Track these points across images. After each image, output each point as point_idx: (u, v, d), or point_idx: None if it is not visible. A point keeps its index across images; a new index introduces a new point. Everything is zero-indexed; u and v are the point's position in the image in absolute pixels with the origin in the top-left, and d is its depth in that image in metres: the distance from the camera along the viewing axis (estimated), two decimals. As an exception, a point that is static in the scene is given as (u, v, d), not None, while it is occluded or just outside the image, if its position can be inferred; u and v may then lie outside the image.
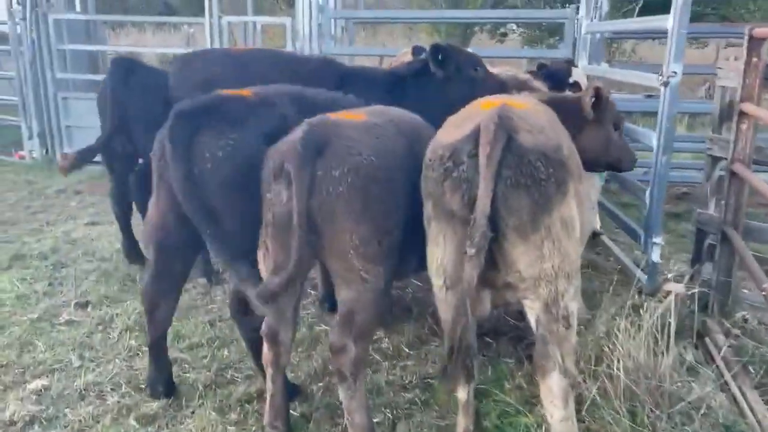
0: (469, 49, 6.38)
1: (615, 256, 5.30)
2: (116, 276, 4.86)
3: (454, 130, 2.68)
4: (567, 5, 15.85)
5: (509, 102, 2.78)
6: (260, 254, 2.86)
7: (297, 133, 2.70)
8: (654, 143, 4.43)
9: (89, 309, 4.32)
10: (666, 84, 4.25)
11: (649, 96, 11.69)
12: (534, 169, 2.46)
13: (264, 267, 2.86)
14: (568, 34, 6.98)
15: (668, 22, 4.24)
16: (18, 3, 7.98)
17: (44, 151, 8.79)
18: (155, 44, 16.97)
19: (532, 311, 2.65)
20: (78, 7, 9.37)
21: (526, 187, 2.45)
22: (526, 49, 13.78)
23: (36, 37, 8.21)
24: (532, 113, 2.79)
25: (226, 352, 3.83)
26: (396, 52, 7.71)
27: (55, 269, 4.93)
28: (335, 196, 2.60)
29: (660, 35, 6.77)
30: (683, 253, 5.25)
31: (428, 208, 2.68)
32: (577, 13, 6.79)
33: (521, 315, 4.20)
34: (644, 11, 12.06)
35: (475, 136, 2.49)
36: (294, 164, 2.59)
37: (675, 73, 4.17)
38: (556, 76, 5.56)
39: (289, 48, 7.61)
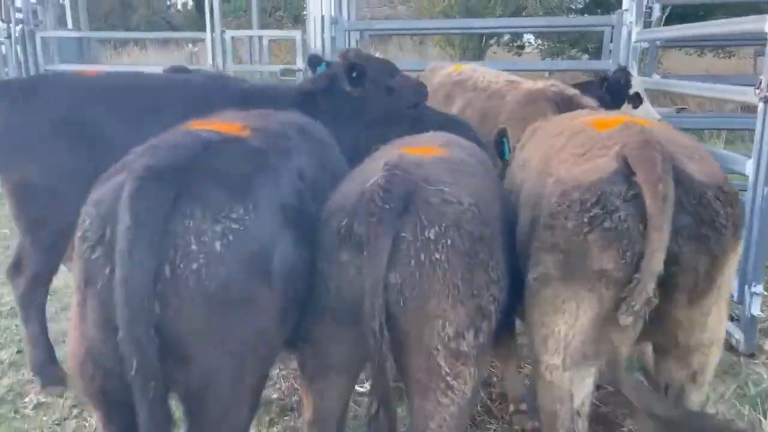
0: (487, 63, 5.68)
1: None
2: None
3: (582, 162, 2.06)
4: (583, 14, 15.24)
5: (634, 119, 2.14)
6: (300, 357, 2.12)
7: (370, 180, 1.91)
8: (750, 171, 3.64)
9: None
10: (766, 100, 3.47)
11: (682, 109, 10.91)
12: (713, 211, 1.89)
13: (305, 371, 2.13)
14: (614, 43, 6.22)
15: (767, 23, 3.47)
16: (2, 20, 7.30)
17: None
18: (156, 62, 16.34)
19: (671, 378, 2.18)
20: (70, 24, 8.71)
21: (705, 237, 1.89)
22: (563, 60, 12.96)
23: (23, 58, 7.51)
24: (666, 132, 2.16)
25: None
26: (411, 66, 7.01)
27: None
28: (428, 267, 1.84)
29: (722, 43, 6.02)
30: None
31: (549, 266, 2.06)
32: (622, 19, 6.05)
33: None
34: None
35: (625, 171, 1.91)
36: (370, 225, 1.82)
37: (781, 85, 3.39)
38: (613, 88, 4.83)
39: (299, 65, 6.89)
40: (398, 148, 2.42)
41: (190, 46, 23.30)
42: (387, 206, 1.82)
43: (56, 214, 3.14)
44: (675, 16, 9.87)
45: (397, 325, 1.85)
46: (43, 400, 3.36)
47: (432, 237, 1.84)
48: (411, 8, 17.37)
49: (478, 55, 14.74)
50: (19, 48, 7.43)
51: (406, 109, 4.03)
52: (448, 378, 1.90)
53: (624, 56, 6.08)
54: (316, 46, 6.64)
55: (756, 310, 3.66)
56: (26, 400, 3.37)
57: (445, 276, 1.85)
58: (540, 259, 2.08)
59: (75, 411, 3.29)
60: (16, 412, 3.27)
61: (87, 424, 3.18)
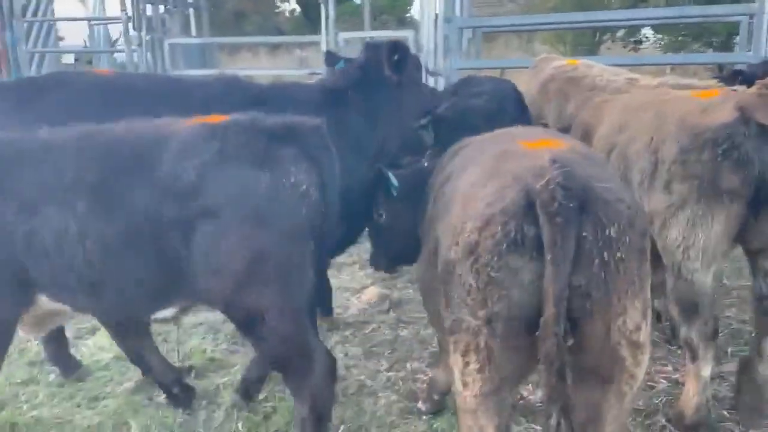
0: (601, 58, 5.37)
1: None
2: (224, 332, 4.21)
3: (704, 116, 2.72)
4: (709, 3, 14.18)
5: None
6: (458, 365, 2.01)
7: (524, 179, 1.87)
8: None
9: (192, 376, 3.67)
10: None
11: None
12: None
13: (467, 382, 2.00)
14: (756, 34, 5.69)
15: None
16: (134, 29, 7.81)
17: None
18: (268, 67, 16.98)
19: None
20: (194, 32, 9.18)
21: None
22: (706, 53, 12.09)
23: (152, 63, 8.00)
24: None
25: (353, 447, 3.02)
26: (521, 63, 6.76)
27: (154, 325, 4.35)
28: (612, 266, 1.84)
29: None
30: None
31: (684, 193, 2.71)
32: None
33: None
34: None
35: (744, 118, 2.60)
36: (555, 225, 1.77)
37: None
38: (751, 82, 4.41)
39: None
40: (516, 142, 2.31)
41: (298, 51, 24.08)
42: (570, 205, 1.78)
43: None
44: None
45: (579, 326, 1.84)
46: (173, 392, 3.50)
47: (614, 235, 1.83)
48: (519, 6, 16.98)
49: (592, 52, 14.15)
50: (149, 55, 7.92)
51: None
52: (631, 368, 1.95)
53: (766, 48, 5.56)
54: (429, 44, 6.58)
55: None
56: (159, 390, 3.52)
57: (626, 273, 1.87)
58: (672, 189, 2.73)
59: (204, 402, 3.41)
60: (150, 400, 3.44)
61: (215, 416, 3.29)
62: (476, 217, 1.91)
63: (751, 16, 6.02)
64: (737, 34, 10.12)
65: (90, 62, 13.28)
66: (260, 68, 12.80)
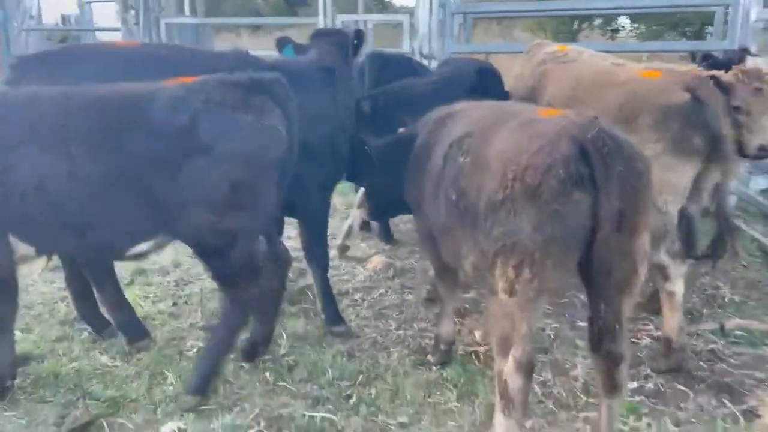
0: (580, 45, 5.74)
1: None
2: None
3: (664, 95, 3.57)
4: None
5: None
6: (508, 277, 2.55)
7: (585, 131, 2.49)
8: None
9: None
10: None
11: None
12: None
13: (515, 290, 2.55)
14: (732, 24, 6.09)
15: None
16: (132, 8, 7.91)
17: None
18: (253, 47, 16.99)
19: None
20: (187, 11, 9.29)
21: None
22: (682, 42, 12.63)
23: (149, 42, 8.11)
24: None
25: (372, 391, 3.33)
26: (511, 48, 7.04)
27: (178, 287, 4.62)
28: (640, 193, 2.50)
29: None
30: None
31: (659, 149, 3.46)
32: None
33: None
34: None
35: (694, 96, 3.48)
36: (605, 165, 2.42)
37: None
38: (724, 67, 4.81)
39: (406, 48, 7.11)
40: (535, 111, 2.96)
41: (278, 32, 23.96)
42: (612, 149, 2.42)
43: None
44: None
45: (615, 241, 2.45)
46: (201, 344, 3.77)
47: (640, 170, 2.49)
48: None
49: (571, 39, 14.53)
50: (143, 33, 8.03)
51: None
52: (642, 276, 2.58)
53: (741, 37, 5.95)
54: (423, 29, 6.84)
55: None
56: (188, 344, 3.79)
57: (647, 199, 2.54)
58: (648, 147, 3.25)
59: (231, 356, 3.67)
60: (180, 354, 3.70)
61: (242, 369, 3.55)
62: (537, 165, 2.43)
63: (727, 7, 6.40)
64: (711, 24, 10.62)
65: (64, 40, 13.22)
66: (255, 48, 12.89)
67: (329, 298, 4.02)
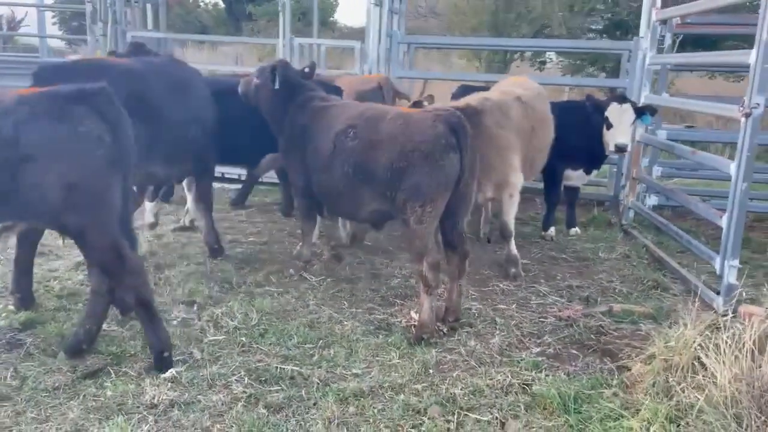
0: (511, 77, 6.96)
1: (682, 277, 5.52)
2: (212, 278, 5.15)
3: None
4: (602, 36, 16.29)
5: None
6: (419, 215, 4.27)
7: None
8: (733, 172, 4.67)
9: (196, 308, 4.60)
10: (748, 115, 4.51)
11: (690, 126, 11.94)
12: None
13: (425, 220, 4.29)
14: (631, 65, 7.26)
15: (750, 57, 4.51)
16: (101, 20, 8.43)
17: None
18: (203, 62, 17.49)
19: None
20: (150, 25, 9.84)
21: None
22: (586, 78, 14.18)
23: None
24: None
25: (331, 351, 4.08)
26: (454, 77, 8.02)
27: (156, 270, 5.22)
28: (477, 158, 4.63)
29: (729, 69, 7.07)
30: (750, 279, 5.45)
31: None
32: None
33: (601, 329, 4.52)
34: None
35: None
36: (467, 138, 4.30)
37: (758, 105, 4.43)
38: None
39: (356, 70, 7.96)
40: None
41: (225, 48, 24.61)
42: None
43: None
44: (689, 41, 10.84)
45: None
46: (185, 316, 4.43)
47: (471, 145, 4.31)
48: (442, 22, 18.49)
49: (503, 69, 15.81)
50: (111, 45, 8.55)
51: None
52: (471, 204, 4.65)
53: (639, 77, 7.13)
54: (373, 54, 7.72)
55: (733, 279, 4.68)
56: (172, 315, 4.44)
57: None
58: None
59: (210, 324, 4.35)
60: (167, 322, 4.32)
61: (221, 333, 4.23)
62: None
63: (630, 51, 7.59)
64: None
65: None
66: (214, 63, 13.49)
67: None
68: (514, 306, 5.00)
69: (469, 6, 15.16)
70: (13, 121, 3.30)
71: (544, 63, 17.35)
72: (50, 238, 5.81)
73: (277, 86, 5.07)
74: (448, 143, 4.14)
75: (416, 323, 4.42)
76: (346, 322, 4.54)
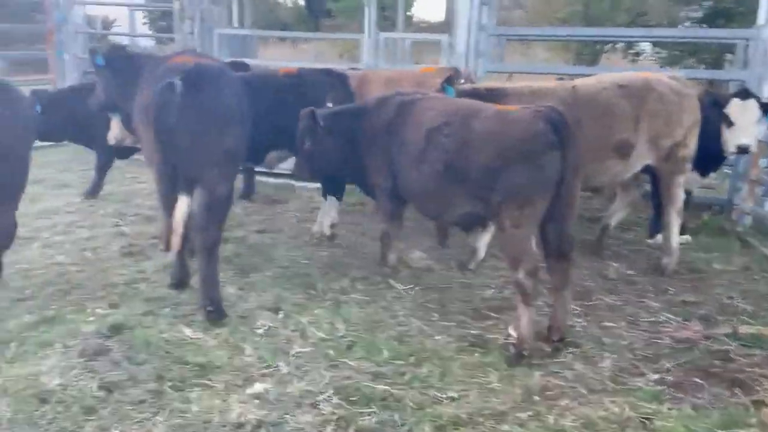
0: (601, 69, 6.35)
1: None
2: (297, 283, 4.96)
3: None
4: (704, 24, 15.15)
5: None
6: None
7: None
8: None
9: (281, 316, 4.41)
10: None
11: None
12: None
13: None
14: (752, 56, 6.54)
15: None
16: (189, 18, 8.47)
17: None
18: (285, 59, 17.65)
19: None
20: (235, 23, 9.86)
21: None
22: (703, 70, 13.16)
23: (201, 51, 8.66)
24: None
25: (424, 370, 3.78)
26: (544, 69, 7.52)
27: (241, 274, 5.09)
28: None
29: None
30: None
31: None
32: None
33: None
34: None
35: None
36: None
37: None
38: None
39: (444, 65, 7.60)
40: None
41: (303, 44, 24.95)
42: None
43: None
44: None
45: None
46: (270, 325, 4.24)
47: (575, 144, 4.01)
48: (527, 13, 17.80)
49: (593, 61, 15.00)
50: (199, 43, 8.59)
51: None
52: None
53: (760, 68, 6.41)
54: (461, 48, 7.34)
55: None
56: (257, 323, 4.26)
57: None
58: None
59: (296, 334, 4.15)
60: (252, 331, 4.16)
61: (308, 345, 4.02)
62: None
63: (748, 40, 6.86)
64: (730, 52, 11.05)
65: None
66: (299, 60, 13.54)
67: None
68: (623, 324, 4.53)
69: (560, -4, 14.49)
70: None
71: (638, 54, 16.34)
72: (140, 237, 5.85)
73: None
74: (548, 141, 3.81)
75: (515, 340, 4.05)
76: (437, 337, 4.22)
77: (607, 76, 5.54)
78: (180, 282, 4.66)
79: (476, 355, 3.99)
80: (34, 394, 3.27)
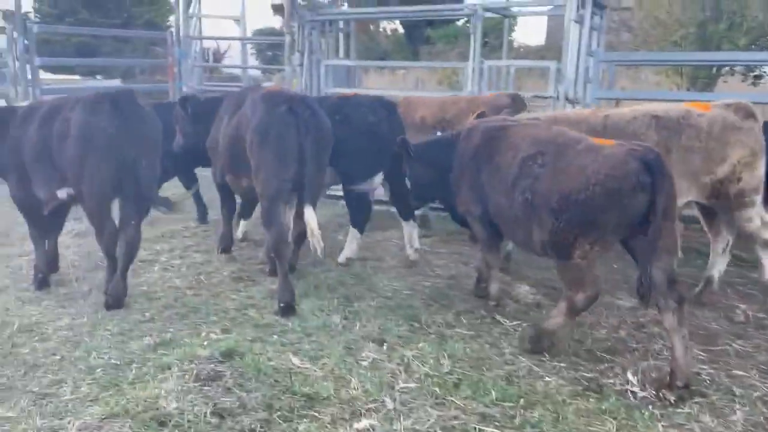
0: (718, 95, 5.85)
1: None
2: (401, 314, 4.91)
3: None
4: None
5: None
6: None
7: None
8: None
9: (385, 348, 4.37)
10: None
11: None
12: None
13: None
14: None
15: None
16: (299, 51, 8.80)
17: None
18: (384, 87, 18.02)
19: None
20: (341, 53, 10.14)
21: None
22: None
23: (308, 83, 8.98)
24: None
25: (535, 414, 3.60)
26: (658, 95, 7.16)
27: (345, 303, 5.12)
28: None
29: None
30: None
31: None
32: None
33: None
34: None
35: None
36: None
37: None
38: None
39: (551, 92, 7.41)
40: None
41: (402, 71, 25.31)
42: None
43: None
44: None
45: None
46: (375, 357, 4.21)
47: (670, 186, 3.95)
48: (636, 37, 17.12)
49: (708, 86, 14.13)
50: (306, 74, 8.90)
51: None
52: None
53: None
54: (570, 74, 7.13)
55: None
56: (363, 355, 4.24)
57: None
58: None
59: (401, 368, 4.08)
60: (357, 362, 4.14)
61: (413, 380, 3.94)
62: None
63: None
64: None
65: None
66: (399, 89, 13.77)
67: None
68: (754, 373, 4.13)
69: (672, 18, 13.73)
70: None
71: (758, 78, 15.22)
72: (249, 263, 6.05)
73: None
74: (637, 182, 3.71)
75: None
76: (548, 378, 4.02)
77: (646, 107, 5.31)
78: None
79: (591, 400, 3.76)
80: (154, 417, 3.40)
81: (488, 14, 8.29)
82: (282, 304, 4.84)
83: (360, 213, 6.10)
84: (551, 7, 9.75)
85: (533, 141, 4.33)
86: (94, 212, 4.77)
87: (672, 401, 3.73)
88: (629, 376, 3.98)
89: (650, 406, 3.69)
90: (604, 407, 3.67)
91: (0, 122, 5.09)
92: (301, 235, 5.22)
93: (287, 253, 5.01)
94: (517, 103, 6.80)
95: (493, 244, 4.97)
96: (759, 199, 4.96)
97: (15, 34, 9.00)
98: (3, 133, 5.03)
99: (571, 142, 4.15)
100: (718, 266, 5.32)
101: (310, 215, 4.81)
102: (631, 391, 3.84)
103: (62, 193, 4.87)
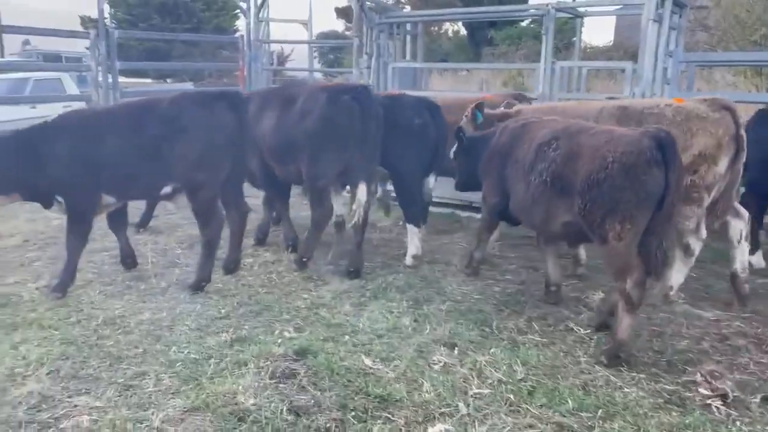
0: None
1: None
2: (471, 318, 4.86)
3: None
4: None
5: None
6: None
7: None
8: None
9: (456, 352, 4.33)
10: None
11: None
12: None
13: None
14: None
15: None
16: (367, 54, 8.86)
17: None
18: (446, 88, 17.91)
19: None
20: (408, 56, 10.15)
21: None
22: None
23: (375, 84, 9.02)
24: None
25: (615, 426, 3.48)
26: (737, 97, 6.82)
27: (415, 306, 5.10)
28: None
29: None
30: None
31: None
32: None
33: None
34: None
35: None
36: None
37: None
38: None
39: (626, 93, 7.19)
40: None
41: (464, 72, 25.08)
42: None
43: None
44: None
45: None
46: (447, 361, 4.18)
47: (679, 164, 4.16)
48: (713, 36, 16.40)
49: (792, 86, 13.39)
50: (374, 76, 8.95)
51: None
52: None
53: None
54: (648, 75, 6.89)
55: None
56: (434, 358, 4.21)
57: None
58: None
59: (474, 373, 4.03)
60: (429, 365, 4.12)
61: (485, 386, 3.88)
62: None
63: None
64: None
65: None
66: (467, 91, 13.69)
67: None
68: None
69: (753, 17, 13.06)
70: None
71: None
72: (318, 263, 6.12)
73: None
74: (652, 158, 3.97)
75: (612, 345, 4.22)
76: (627, 389, 3.89)
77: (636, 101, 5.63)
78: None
79: (674, 414, 3.61)
80: (233, 412, 3.48)
81: (560, 14, 8.10)
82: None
83: (411, 207, 6.14)
84: (622, 6, 9.49)
85: (550, 131, 4.70)
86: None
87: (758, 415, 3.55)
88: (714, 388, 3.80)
89: (737, 422, 3.51)
90: (687, 421, 3.52)
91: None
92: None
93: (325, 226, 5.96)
94: (524, 104, 6.78)
95: (491, 228, 5.79)
96: (707, 200, 4.91)
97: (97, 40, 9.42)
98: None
99: (584, 128, 4.51)
100: (740, 259, 5.21)
101: (362, 192, 5.54)
102: (716, 406, 3.67)
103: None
